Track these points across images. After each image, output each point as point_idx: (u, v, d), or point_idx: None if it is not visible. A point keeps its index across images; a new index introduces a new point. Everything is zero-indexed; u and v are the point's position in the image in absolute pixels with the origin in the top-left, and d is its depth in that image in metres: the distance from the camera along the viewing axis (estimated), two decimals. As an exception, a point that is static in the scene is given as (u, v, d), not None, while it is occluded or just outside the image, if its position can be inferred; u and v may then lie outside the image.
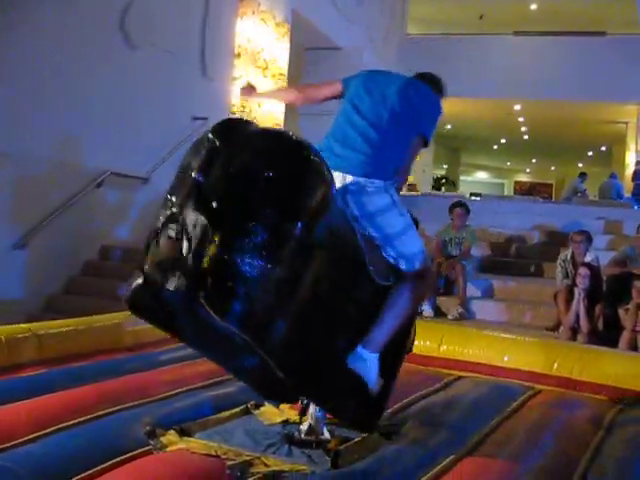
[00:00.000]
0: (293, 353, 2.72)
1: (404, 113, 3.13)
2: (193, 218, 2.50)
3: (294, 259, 2.57)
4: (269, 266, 2.48)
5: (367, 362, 2.99)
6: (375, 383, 3.06)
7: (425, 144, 3.24)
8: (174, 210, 2.59)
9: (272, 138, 2.73)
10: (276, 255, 2.51)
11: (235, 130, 2.75)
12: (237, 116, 3.26)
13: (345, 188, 2.99)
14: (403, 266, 3.07)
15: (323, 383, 2.96)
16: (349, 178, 3.00)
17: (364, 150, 3.05)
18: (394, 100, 3.14)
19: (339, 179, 2.96)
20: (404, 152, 3.15)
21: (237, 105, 10.71)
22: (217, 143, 2.67)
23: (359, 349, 2.98)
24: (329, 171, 2.71)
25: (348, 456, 3.02)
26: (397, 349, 3.24)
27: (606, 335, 6.52)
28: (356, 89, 3.25)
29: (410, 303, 3.09)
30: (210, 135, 2.71)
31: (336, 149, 3.08)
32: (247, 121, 2.92)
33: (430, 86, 3.40)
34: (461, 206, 8.38)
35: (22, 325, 4.39)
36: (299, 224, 2.54)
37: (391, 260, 3.07)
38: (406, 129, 3.15)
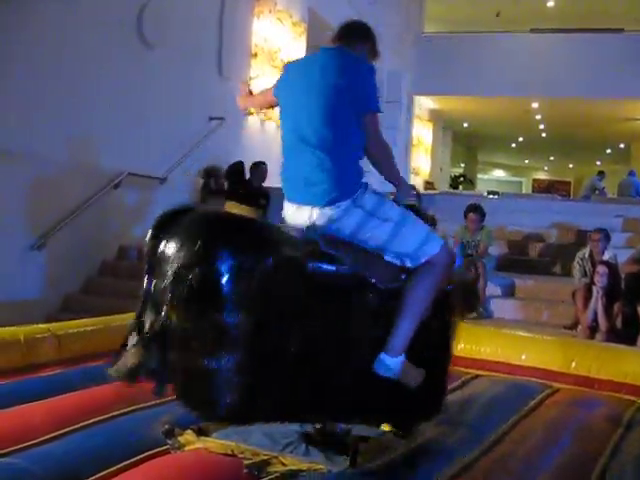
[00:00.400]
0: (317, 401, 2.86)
1: (338, 107, 2.90)
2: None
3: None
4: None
5: (390, 367, 2.89)
6: (410, 380, 2.98)
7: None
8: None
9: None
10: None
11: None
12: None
13: (315, 224, 2.89)
14: (410, 264, 2.97)
15: (364, 406, 3.04)
16: (315, 212, 2.87)
17: (318, 178, 2.88)
18: (321, 101, 2.90)
19: (307, 214, 2.89)
20: (358, 149, 2.97)
21: (253, 105, 10.72)
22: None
23: (382, 356, 2.90)
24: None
25: (366, 455, 3.01)
26: (439, 337, 3.23)
27: (624, 333, 6.47)
28: (282, 106, 3.15)
29: (423, 296, 2.94)
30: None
31: (291, 187, 3.01)
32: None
33: (353, 45, 3.10)
34: (474, 211, 8.26)
35: (41, 325, 4.42)
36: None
37: (397, 262, 2.99)
38: (348, 122, 2.91)
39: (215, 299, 2.53)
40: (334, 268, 2.86)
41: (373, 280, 2.95)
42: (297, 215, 2.95)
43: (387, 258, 2.98)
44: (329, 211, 2.86)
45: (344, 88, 2.89)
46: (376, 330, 2.95)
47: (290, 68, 3.22)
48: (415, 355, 2.98)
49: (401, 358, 2.90)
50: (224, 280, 2.51)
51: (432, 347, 3.16)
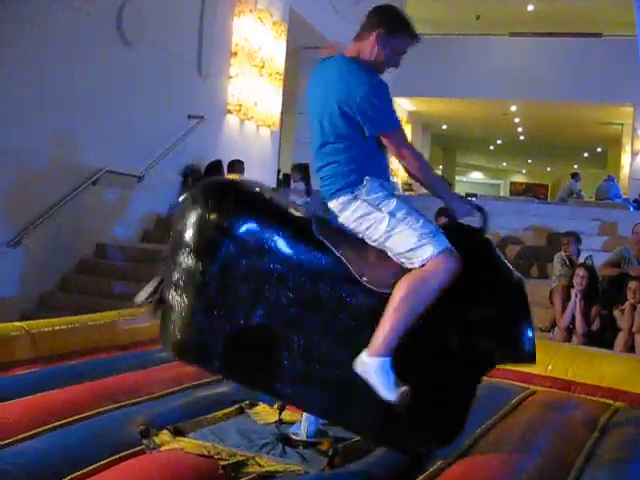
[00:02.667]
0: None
1: (341, 121, 2.96)
2: None
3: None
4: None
5: (367, 366, 2.81)
6: (387, 391, 2.80)
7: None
8: None
9: None
10: None
11: None
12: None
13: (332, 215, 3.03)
14: (406, 265, 2.90)
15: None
16: (331, 205, 3.04)
17: (325, 172, 3.04)
18: (325, 112, 2.99)
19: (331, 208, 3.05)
20: (359, 147, 2.99)
21: (233, 104, 10.70)
22: None
23: (362, 354, 2.83)
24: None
25: (344, 456, 3.01)
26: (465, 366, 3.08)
27: (601, 336, 6.51)
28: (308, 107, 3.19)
29: (411, 300, 2.80)
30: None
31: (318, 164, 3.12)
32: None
33: (364, 41, 3.11)
34: (444, 214, 8.17)
35: (16, 323, 4.38)
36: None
37: (397, 261, 2.93)
38: (348, 131, 2.96)
39: (204, 253, 2.85)
40: (316, 254, 2.89)
41: (364, 279, 2.89)
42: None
43: (391, 257, 2.93)
44: (332, 205, 3.02)
45: (346, 109, 2.93)
46: (356, 330, 2.90)
47: (318, 67, 3.23)
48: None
49: (379, 360, 2.80)
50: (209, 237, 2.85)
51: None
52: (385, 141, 2.99)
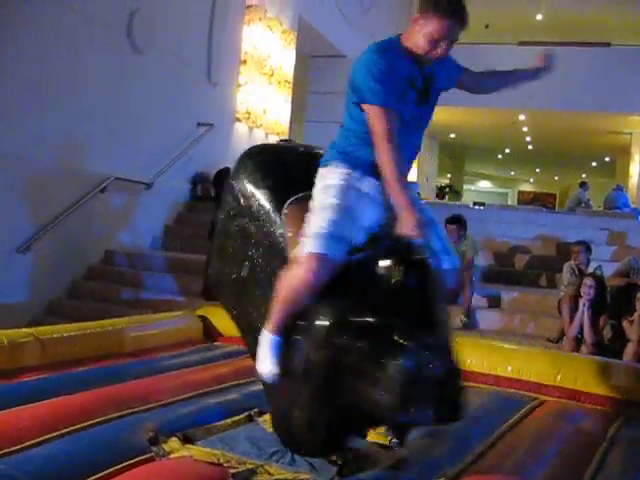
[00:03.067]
0: None
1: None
2: None
3: None
4: None
5: (261, 335, 2.99)
6: (259, 363, 2.97)
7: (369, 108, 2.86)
8: None
9: None
10: None
11: None
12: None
13: None
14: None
15: None
16: None
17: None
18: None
19: None
20: (349, 126, 2.97)
21: (242, 111, 10.73)
22: None
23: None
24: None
25: (353, 466, 3.00)
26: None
27: (610, 346, 6.49)
28: None
29: (282, 287, 2.85)
30: None
31: None
32: None
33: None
34: (452, 222, 8.11)
35: (25, 329, 4.39)
36: None
37: None
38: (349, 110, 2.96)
39: None
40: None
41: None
42: None
43: None
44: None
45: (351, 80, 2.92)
46: None
47: None
48: None
49: (267, 334, 2.95)
50: None
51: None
52: (366, 114, 2.86)
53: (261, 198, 3.21)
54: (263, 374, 2.97)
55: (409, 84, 2.91)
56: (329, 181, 2.92)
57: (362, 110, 2.88)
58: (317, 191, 2.95)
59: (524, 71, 3.27)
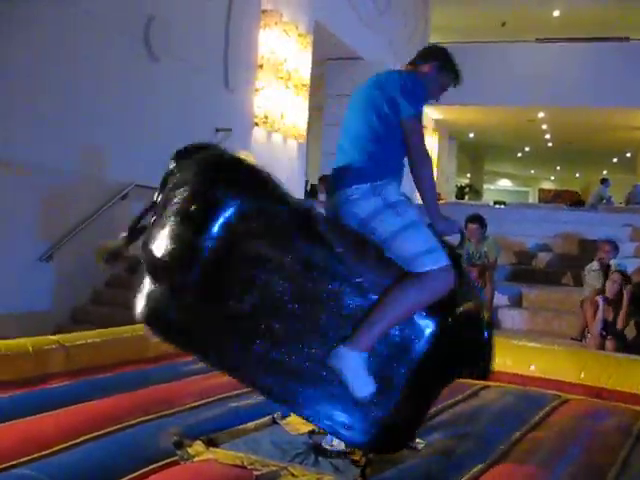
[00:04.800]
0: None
1: (376, 105, 3.07)
2: None
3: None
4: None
5: (343, 360, 2.76)
6: (358, 387, 2.77)
7: (417, 120, 3.04)
8: None
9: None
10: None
11: None
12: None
13: (337, 202, 3.04)
14: (406, 268, 2.88)
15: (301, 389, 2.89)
16: (342, 193, 3.02)
17: (349, 157, 3.08)
18: (369, 99, 3.13)
19: (338, 196, 3.05)
20: (393, 146, 3.05)
21: (260, 116, 10.76)
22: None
23: (339, 347, 2.78)
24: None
25: (376, 466, 3.01)
26: (438, 369, 3.00)
27: (634, 343, 6.46)
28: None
29: (402, 303, 2.80)
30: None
31: (335, 164, 3.19)
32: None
33: (418, 68, 3.30)
34: (473, 221, 8.10)
35: (50, 336, 4.43)
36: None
37: (396, 262, 2.91)
38: (385, 120, 3.04)
39: (196, 222, 2.74)
40: (316, 245, 2.84)
41: (359, 279, 2.85)
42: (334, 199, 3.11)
43: (390, 255, 2.91)
44: (350, 191, 2.99)
45: (382, 95, 3.07)
46: (338, 326, 2.85)
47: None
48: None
49: (356, 354, 2.77)
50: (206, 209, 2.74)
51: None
52: (403, 127, 3.03)
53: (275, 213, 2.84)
54: (363, 397, 2.80)
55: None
56: (391, 198, 2.97)
57: (396, 125, 3.03)
58: (380, 209, 2.94)
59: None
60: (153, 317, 2.96)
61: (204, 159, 2.98)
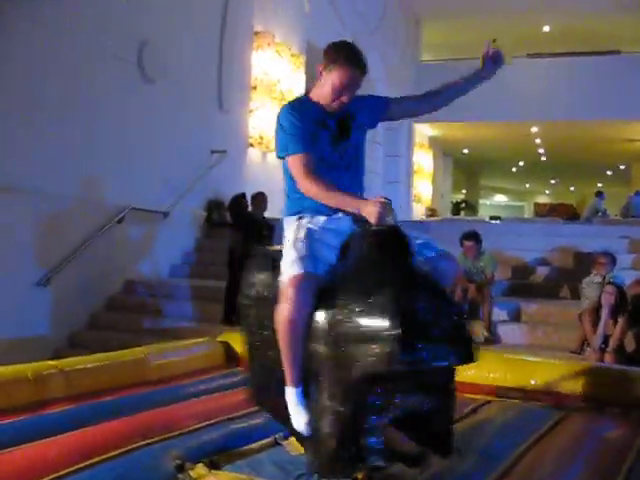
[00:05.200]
0: None
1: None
2: None
3: None
4: None
5: (287, 395, 2.95)
6: (296, 420, 2.95)
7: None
8: None
9: None
10: None
11: None
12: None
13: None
14: None
15: None
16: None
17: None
18: None
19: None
20: (288, 182, 3.15)
21: (254, 137, 10.79)
22: None
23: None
24: None
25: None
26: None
27: (634, 355, 6.44)
28: None
29: (279, 328, 2.87)
30: None
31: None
32: None
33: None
34: (468, 239, 8.11)
35: (48, 362, 4.41)
36: None
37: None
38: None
39: None
40: None
41: None
42: None
43: None
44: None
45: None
46: None
47: None
48: None
49: (291, 390, 2.94)
50: None
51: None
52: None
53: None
54: (303, 429, 2.93)
55: (320, 125, 3.08)
56: (288, 234, 3.05)
57: None
58: (284, 243, 3.05)
59: (475, 73, 3.41)
60: None
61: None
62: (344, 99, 3.07)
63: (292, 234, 3.00)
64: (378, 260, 2.78)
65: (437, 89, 3.42)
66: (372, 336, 2.62)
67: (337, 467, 2.90)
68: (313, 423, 2.88)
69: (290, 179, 3.08)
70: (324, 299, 2.81)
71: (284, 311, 2.81)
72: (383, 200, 2.78)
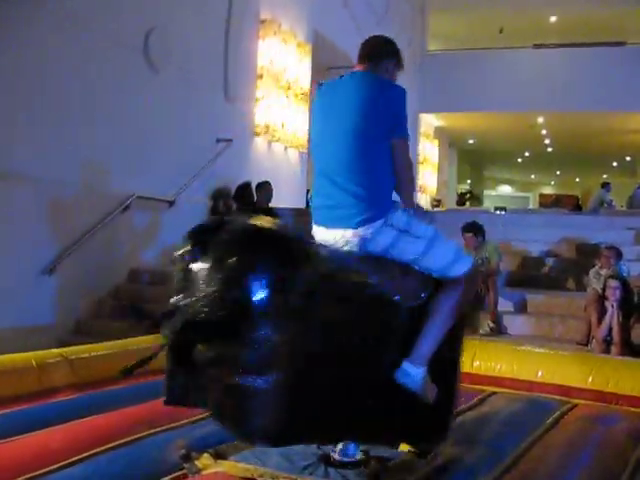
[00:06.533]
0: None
1: (367, 133, 2.96)
2: None
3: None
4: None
5: (413, 376, 2.88)
6: (428, 394, 2.95)
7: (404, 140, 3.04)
8: None
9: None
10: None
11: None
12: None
13: (344, 241, 2.97)
14: (441, 277, 2.99)
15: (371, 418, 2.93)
16: (348, 233, 2.94)
17: (348, 202, 2.95)
18: (349, 127, 2.97)
19: (337, 235, 2.96)
20: (387, 173, 3.02)
21: (260, 126, 10.76)
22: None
23: (404, 365, 2.89)
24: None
25: (386, 477, 2.98)
26: (451, 353, 3.14)
27: (640, 347, 6.44)
28: (312, 131, 3.28)
29: (450, 311, 2.95)
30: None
31: (321, 211, 3.10)
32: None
33: (382, 65, 3.20)
34: (468, 231, 8.10)
35: (53, 350, 4.41)
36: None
37: (426, 273, 3.00)
38: (376, 148, 2.98)
39: (251, 317, 2.56)
40: (362, 284, 2.86)
41: (397, 297, 2.91)
42: (326, 236, 3.01)
43: (418, 268, 2.99)
44: (362, 231, 2.91)
45: (374, 114, 2.96)
46: (396, 347, 2.92)
47: (323, 91, 3.24)
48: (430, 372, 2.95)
49: (423, 369, 2.90)
50: (259, 298, 2.54)
51: (445, 364, 3.10)
52: (396, 145, 3.02)
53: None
54: (430, 399, 2.98)
55: None
56: (401, 224, 2.96)
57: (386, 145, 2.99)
58: (396, 238, 2.95)
59: None
60: None
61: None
62: None
63: (418, 224, 3.01)
64: None
65: None
66: None
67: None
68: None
69: (384, 164, 2.99)
70: None
71: (467, 294, 3.04)
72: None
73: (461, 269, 2.98)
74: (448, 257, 2.99)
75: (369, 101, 2.97)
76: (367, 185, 2.93)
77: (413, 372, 2.88)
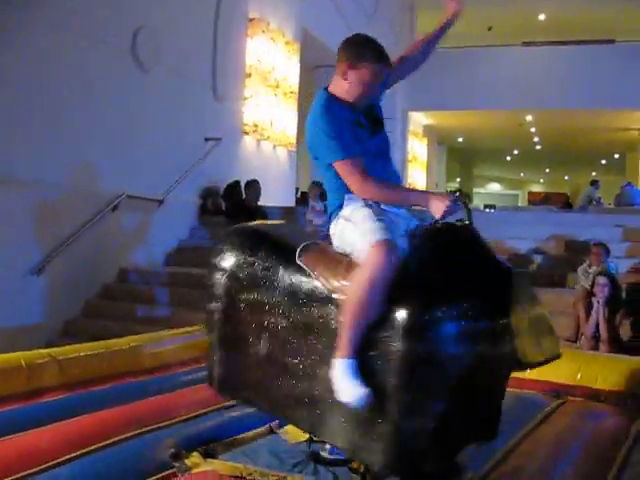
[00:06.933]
0: None
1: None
2: None
3: None
4: None
5: (335, 369, 2.72)
6: (344, 392, 2.69)
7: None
8: None
9: None
10: None
11: None
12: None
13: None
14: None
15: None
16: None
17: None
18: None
19: None
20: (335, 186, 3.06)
21: (249, 124, 10.75)
22: None
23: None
24: None
25: (376, 474, 2.98)
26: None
27: (629, 344, 6.45)
28: None
29: (354, 296, 2.69)
30: None
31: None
32: None
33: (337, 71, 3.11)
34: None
35: (42, 350, 4.39)
36: None
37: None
38: (325, 170, 3.04)
39: None
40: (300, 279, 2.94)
41: (334, 295, 2.84)
42: None
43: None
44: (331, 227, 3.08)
45: (309, 145, 3.07)
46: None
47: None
48: None
49: (343, 361, 2.70)
50: None
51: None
52: (339, 171, 2.97)
53: (262, 261, 3.03)
54: (353, 401, 2.68)
55: (356, 124, 3.03)
56: (355, 215, 2.95)
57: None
58: (348, 225, 2.96)
59: (444, 21, 3.50)
60: None
61: None
62: (373, 94, 3.10)
63: (364, 212, 2.90)
64: (462, 258, 2.79)
65: (412, 47, 3.46)
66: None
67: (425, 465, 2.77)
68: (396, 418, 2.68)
69: (338, 183, 3.00)
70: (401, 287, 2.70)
71: (365, 273, 2.69)
72: (451, 196, 2.86)
73: (365, 247, 2.76)
74: (357, 237, 2.86)
75: (307, 132, 3.07)
76: (332, 188, 3.08)
77: (335, 364, 2.73)
